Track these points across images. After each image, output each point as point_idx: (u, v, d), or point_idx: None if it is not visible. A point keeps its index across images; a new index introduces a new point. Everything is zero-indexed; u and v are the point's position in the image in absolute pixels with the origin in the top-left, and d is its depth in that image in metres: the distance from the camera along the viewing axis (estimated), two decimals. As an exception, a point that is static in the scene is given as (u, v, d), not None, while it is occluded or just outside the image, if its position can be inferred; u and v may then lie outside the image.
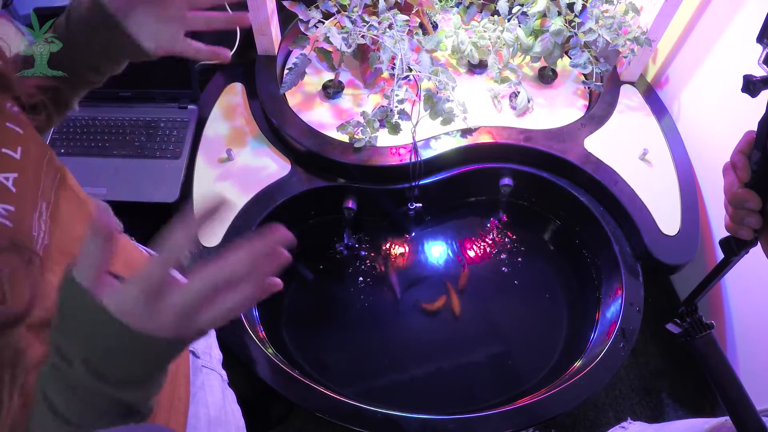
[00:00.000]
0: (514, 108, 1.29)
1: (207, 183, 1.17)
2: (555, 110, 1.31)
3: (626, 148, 1.24)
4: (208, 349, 0.77)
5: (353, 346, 1.23)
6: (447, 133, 1.22)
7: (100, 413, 0.35)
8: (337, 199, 1.22)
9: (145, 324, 0.34)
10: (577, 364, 1.09)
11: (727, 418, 0.63)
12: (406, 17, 1.17)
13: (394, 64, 1.12)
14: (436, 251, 1.36)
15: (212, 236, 1.10)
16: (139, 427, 0.36)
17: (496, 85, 1.32)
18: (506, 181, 1.27)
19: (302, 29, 1.14)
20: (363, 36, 1.12)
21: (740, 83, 0.51)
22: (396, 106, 1.14)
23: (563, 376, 1.06)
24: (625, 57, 1.31)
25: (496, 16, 1.33)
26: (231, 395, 0.79)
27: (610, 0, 1.22)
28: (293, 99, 1.28)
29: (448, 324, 1.26)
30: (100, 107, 1.25)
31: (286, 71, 1.17)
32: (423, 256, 1.35)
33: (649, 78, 1.43)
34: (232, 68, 1.35)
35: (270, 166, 1.21)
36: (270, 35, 1.26)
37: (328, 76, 1.32)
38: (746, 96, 0.51)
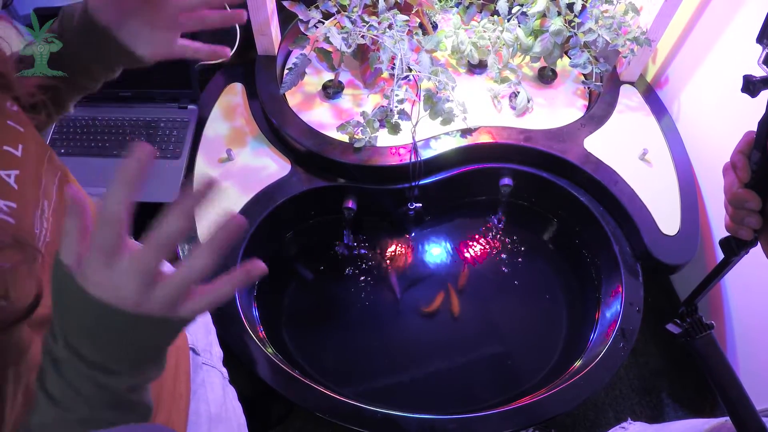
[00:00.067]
0: (513, 108, 1.29)
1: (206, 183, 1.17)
2: (555, 110, 1.31)
3: (626, 148, 1.24)
4: (208, 346, 0.77)
5: (353, 346, 1.23)
6: (447, 133, 1.22)
7: (86, 398, 0.35)
8: (337, 199, 1.22)
9: (107, 292, 0.34)
10: (577, 364, 1.09)
11: (728, 418, 0.63)
12: (405, 17, 1.17)
13: (394, 64, 1.12)
14: (436, 251, 1.36)
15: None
16: (139, 427, 0.36)
17: (495, 85, 1.32)
18: (506, 181, 1.27)
19: (302, 29, 1.14)
20: (363, 36, 1.12)
21: (740, 83, 0.51)
22: (396, 106, 1.14)
23: (563, 376, 1.06)
24: (625, 57, 1.31)
25: (495, 17, 1.33)
26: (232, 392, 0.79)
27: (609, 0, 1.22)
28: (293, 99, 1.28)
29: (447, 324, 1.26)
30: (100, 107, 1.25)
31: (286, 71, 1.17)
32: (423, 256, 1.35)
33: (649, 78, 1.43)
34: (232, 68, 1.35)
35: (270, 166, 1.21)
36: (270, 35, 1.26)
37: (328, 76, 1.32)
38: (746, 96, 0.51)
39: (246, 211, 1.14)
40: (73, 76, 0.55)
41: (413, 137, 1.18)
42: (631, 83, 1.38)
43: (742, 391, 0.62)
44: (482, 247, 1.36)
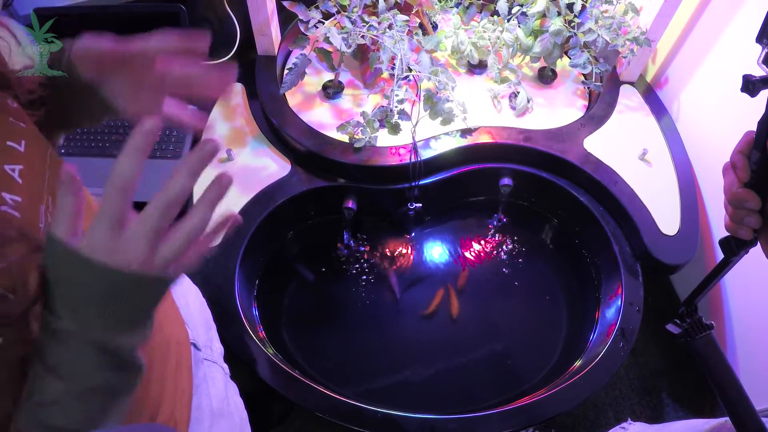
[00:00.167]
0: (513, 108, 1.29)
1: (207, 183, 1.17)
2: (554, 110, 1.31)
3: (626, 148, 1.24)
4: (209, 342, 0.77)
5: (353, 346, 1.23)
6: (447, 133, 1.22)
7: (90, 365, 0.37)
8: (337, 199, 1.22)
9: (116, 258, 0.36)
10: (577, 364, 1.09)
11: (727, 418, 0.63)
12: (405, 17, 1.17)
13: (394, 65, 1.12)
14: (436, 251, 1.36)
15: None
16: (139, 426, 0.37)
17: (495, 86, 1.32)
18: (506, 181, 1.27)
19: (302, 29, 1.14)
20: (363, 36, 1.12)
21: (740, 83, 0.51)
22: (396, 106, 1.14)
23: (563, 376, 1.06)
24: (625, 57, 1.31)
25: (495, 17, 1.33)
26: (233, 388, 0.80)
27: (609, 0, 1.22)
28: (293, 99, 1.28)
29: (447, 324, 1.26)
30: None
31: (286, 71, 1.17)
32: (423, 256, 1.35)
33: (649, 78, 1.43)
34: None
35: (270, 166, 1.21)
36: (270, 35, 1.26)
37: (328, 76, 1.32)
38: (746, 96, 0.51)
39: (246, 211, 1.14)
40: (54, 119, 0.53)
41: (413, 137, 1.18)
42: (631, 83, 1.38)
43: (742, 392, 0.62)
44: (482, 247, 1.36)
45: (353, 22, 1.13)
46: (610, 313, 1.12)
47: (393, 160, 1.17)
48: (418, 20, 1.25)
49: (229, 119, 1.27)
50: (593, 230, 1.22)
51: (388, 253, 1.34)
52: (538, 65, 1.38)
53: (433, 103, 1.18)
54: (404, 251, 1.35)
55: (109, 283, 0.36)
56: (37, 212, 0.42)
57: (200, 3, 1.32)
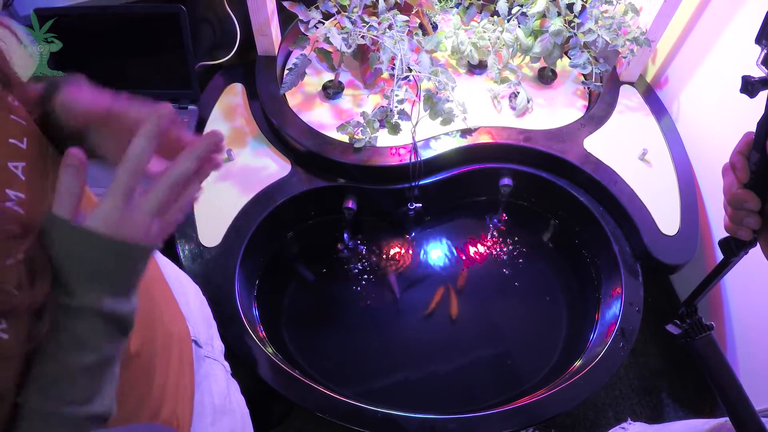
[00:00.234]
0: (513, 108, 1.29)
1: (207, 183, 1.16)
2: (554, 110, 1.31)
3: (626, 148, 1.24)
4: (209, 339, 0.77)
5: (353, 346, 1.23)
6: (447, 134, 1.22)
7: (97, 336, 0.39)
8: (337, 199, 1.23)
9: (125, 232, 0.39)
10: (577, 364, 1.09)
11: (727, 418, 0.63)
12: (405, 18, 1.17)
13: (394, 65, 1.12)
14: (436, 251, 1.36)
15: (212, 236, 1.10)
16: (139, 427, 0.37)
17: (495, 86, 1.32)
18: (506, 181, 1.28)
19: (302, 30, 1.14)
20: (363, 36, 1.12)
21: (739, 84, 0.51)
22: (396, 107, 1.14)
23: (563, 376, 1.06)
24: (625, 57, 1.31)
25: (495, 17, 1.33)
26: (235, 385, 0.80)
27: (609, 0, 1.23)
28: (293, 99, 1.28)
29: (448, 324, 1.26)
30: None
31: (286, 72, 1.17)
32: (423, 256, 1.35)
33: (649, 78, 1.43)
34: (232, 68, 1.35)
35: (270, 166, 1.21)
36: (270, 36, 1.26)
37: (328, 76, 1.32)
38: (745, 96, 0.51)
39: (246, 211, 1.14)
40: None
41: (413, 137, 1.18)
42: (631, 83, 1.38)
43: (742, 392, 0.62)
44: (482, 247, 1.36)
45: (353, 23, 1.13)
46: (610, 313, 1.12)
47: (393, 160, 1.17)
48: (418, 20, 1.25)
49: (229, 119, 1.27)
50: (593, 230, 1.22)
51: (388, 254, 1.34)
52: (538, 65, 1.38)
53: (433, 103, 1.18)
54: (404, 251, 1.35)
55: (118, 255, 0.39)
56: (41, 209, 0.43)
57: (200, 3, 1.32)
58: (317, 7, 1.14)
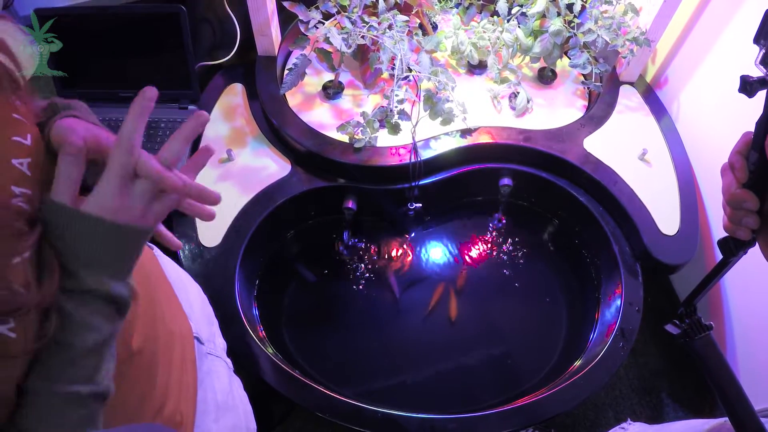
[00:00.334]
0: (513, 108, 1.29)
1: (207, 183, 1.16)
2: (554, 110, 1.31)
3: (625, 148, 1.24)
4: (211, 336, 0.77)
5: (353, 346, 1.23)
6: (447, 134, 1.22)
7: (99, 318, 0.41)
8: (337, 200, 1.23)
9: (124, 215, 0.41)
10: (577, 363, 1.09)
11: (727, 419, 0.63)
12: (405, 18, 1.17)
13: (394, 65, 1.12)
14: (436, 251, 1.36)
15: (213, 236, 1.10)
16: (139, 427, 0.37)
17: (495, 86, 1.32)
18: (506, 181, 1.28)
19: (302, 30, 1.14)
20: (363, 36, 1.13)
21: (738, 83, 0.51)
22: (396, 107, 1.14)
23: (563, 376, 1.06)
24: (625, 57, 1.31)
25: (495, 17, 1.33)
26: (237, 382, 0.80)
27: (609, 0, 1.23)
28: (293, 99, 1.29)
29: (447, 324, 1.26)
30: (100, 108, 1.25)
31: (286, 72, 1.17)
32: (422, 256, 1.35)
33: (648, 78, 1.43)
34: (232, 69, 1.35)
35: (270, 166, 1.21)
36: (270, 36, 1.26)
37: (328, 76, 1.32)
38: (744, 96, 0.51)
39: (246, 211, 1.14)
40: None
41: (413, 137, 1.18)
42: (631, 83, 1.38)
43: (741, 392, 0.62)
44: (482, 247, 1.36)
45: (353, 23, 1.13)
46: (610, 313, 1.12)
47: (393, 160, 1.17)
48: (418, 21, 1.25)
49: (229, 119, 1.28)
50: (593, 230, 1.22)
51: (388, 254, 1.34)
52: (537, 65, 1.38)
53: (433, 103, 1.18)
54: (404, 251, 1.35)
55: (117, 238, 0.41)
56: None
57: (200, 3, 1.32)
58: (317, 7, 1.15)
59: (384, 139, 1.19)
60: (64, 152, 0.40)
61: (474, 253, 1.36)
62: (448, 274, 1.32)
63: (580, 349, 1.14)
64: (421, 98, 1.18)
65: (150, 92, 0.43)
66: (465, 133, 1.23)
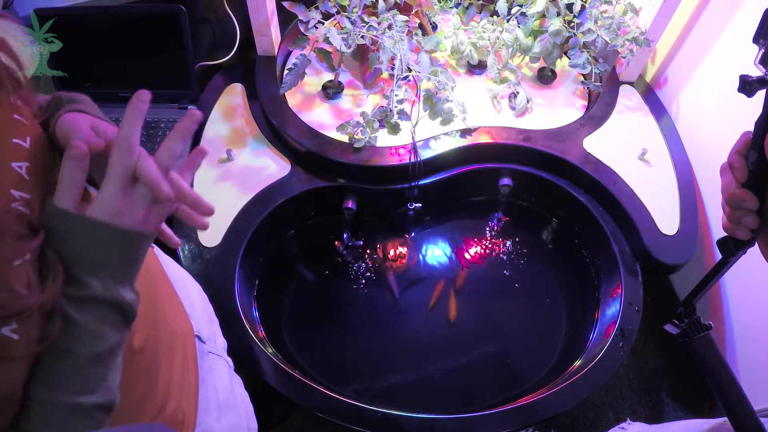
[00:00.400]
0: (513, 108, 1.29)
1: (207, 183, 1.17)
2: (554, 110, 1.31)
3: (625, 148, 1.24)
4: (212, 335, 0.78)
5: (353, 346, 1.23)
6: (446, 134, 1.22)
7: (104, 325, 0.40)
8: (337, 199, 1.23)
9: (126, 220, 0.41)
10: (577, 363, 1.09)
11: (726, 418, 0.63)
12: (405, 18, 1.17)
13: (394, 65, 1.12)
14: (436, 251, 1.36)
15: (212, 236, 1.10)
16: (139, 427, 0.37)
17: (495, 86, 1.33)
18: (505, 181, 1.28)
19: (302, 30, 1.14)
20: (362, 36, 1.13)
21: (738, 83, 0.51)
22: (395, 107, 1.14)
23: (563, 376, 1.06)
24: (624, 57, 1.31)
25: (495, 17, 1.33)
26: (238, 380, 0.80)
27: (608, 0, 1.23)
28: (293, 99, 1.29)
29: (447, 324, 1.26)
30: (100, 108, 1.24)
31: (285, 72, 1.17)
32: (422, 256, 1.35)
33: (648, 78, 1.43)
34: (232, 69, 1.35)
35: (270, 166, 1.21)
36: (270, 36, 1.26)
37: (328, 76, 1.32)
38: (744, 96, 0.51)
39: (246, 211, 1.14)
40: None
41: (413, 137, 1.18)
42: (631, 83, 1.38)
43: (740, 392, 0.62)
44: (482, 247, 1.36)
45: (353, 23, 1.13)
46: (610, 312, 1.12)
47: (393, 160, 1.17)
48: (418, 20, 1.25)
49: (229, 119, 1.28)
50: (593, 230, 1.22)
51: (388, 254, 1.34)
52: (537, 65, 1.38)
53: (433, 103, 1.18)
54: (404, 251, 1.35)
55: (121, 243, 0.41)
56: None
57: (200, 3, 1.32)
58: (317, 7, 1.15)
59: (384, 139, 1.19)
60: (67, 156, 0.40)
61: (474, 253, 1.36)
62: (448, 274, 1.32)
63: (580, 349, 1.14)
64: (421, 98, 1.18)
65: (143, 95, 0.43)
66: (465, 133, 1.23)
